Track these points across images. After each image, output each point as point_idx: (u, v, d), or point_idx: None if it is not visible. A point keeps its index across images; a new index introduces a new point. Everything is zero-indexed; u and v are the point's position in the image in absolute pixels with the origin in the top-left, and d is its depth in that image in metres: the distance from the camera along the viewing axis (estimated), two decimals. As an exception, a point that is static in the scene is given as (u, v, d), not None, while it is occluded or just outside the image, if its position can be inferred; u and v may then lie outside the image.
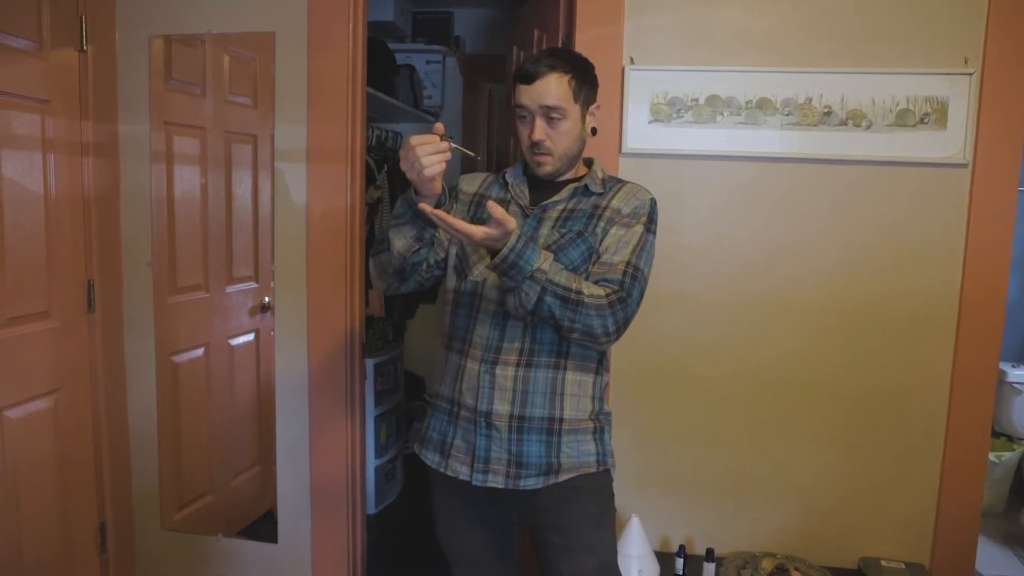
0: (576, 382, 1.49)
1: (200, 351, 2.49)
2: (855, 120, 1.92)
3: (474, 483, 1.48)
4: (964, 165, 1.91)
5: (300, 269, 2.20)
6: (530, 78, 1.42)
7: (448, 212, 1.35)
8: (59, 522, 2.13)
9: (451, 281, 1.56)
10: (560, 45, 2.13)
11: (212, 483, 2.55)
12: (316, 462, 2.25)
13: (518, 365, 1.46)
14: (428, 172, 1.28)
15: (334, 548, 2.27)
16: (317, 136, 2.15)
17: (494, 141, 4.02)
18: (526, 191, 1.54)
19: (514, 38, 2.77)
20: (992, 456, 3.19)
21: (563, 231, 1.46)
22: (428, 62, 3.81)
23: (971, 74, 1.88)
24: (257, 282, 2.60)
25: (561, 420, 1.47)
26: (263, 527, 2.42)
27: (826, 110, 1.93)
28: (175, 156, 2.34)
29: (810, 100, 1.93)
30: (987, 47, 1.88)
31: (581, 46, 1.99)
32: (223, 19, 2.18)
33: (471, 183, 1.60)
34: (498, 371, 1.46)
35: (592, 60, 1.78)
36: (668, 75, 1.97)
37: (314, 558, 2.28)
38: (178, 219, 2.36)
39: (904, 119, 1.91)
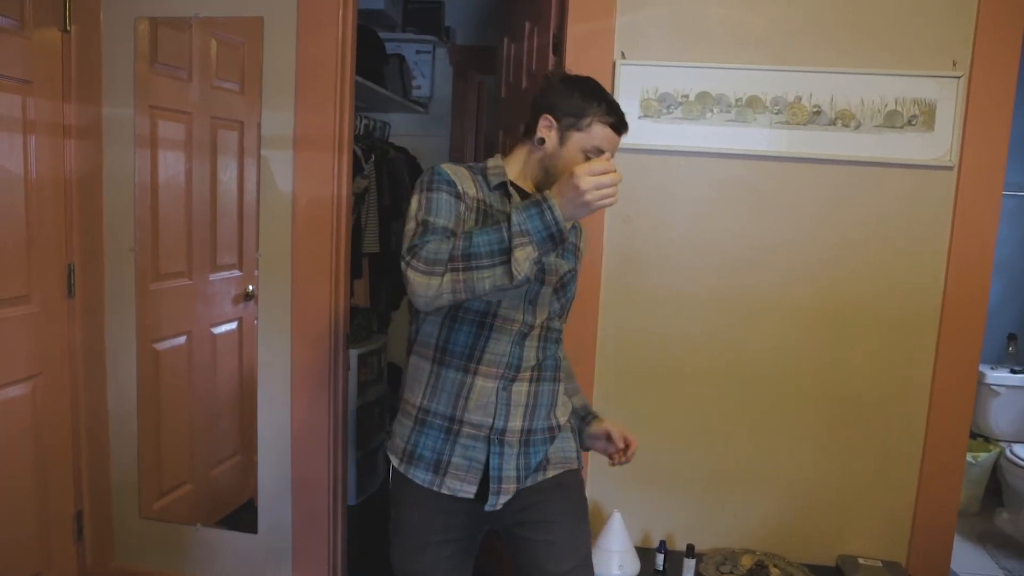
0: (562, 391, 1.60)
1: (182, 339, 2.47)
2: (844, 120, 1.93)
3: (488, 508, 1.46)
4: (950, 167, 1.93)
5: (285, 258, 2.18)
6: (622, 130, 1.46)
7: (461, 213, 1.39)
8: (35, 509, 2.10)
9: None
10: (551, 38, 2.12)
11: (192, 472, 2.53)
12: (297, 452, 2.24)
13: (531, 380, 1.50)
14: (614, 201, 1.24)
15: (314, 539, 2.26)
16: (305, 124, 2.13)
17: (483, 132, 4.00)
18: None
19: (505, 30, 2.76)
20: (969, 457, 3.23)
21: (568, 265, 1.52)
22: (418, 52, 3.79)
23: (959, 77, 1.89)
24: (241, 270, 2.58)
25: (559, 427, 1.56)
26: (243, 517, 2.40)
27: (815, 109, 1.93)
28: (160, 141, 2.31)
29: (800, 99, 1.93)
30: (975, 51, 1.89)
31: (572, 40, 1.99)
32: (211, 2, 2.15)
33: (466, 183, 1.48)
34: (515, 388, 1.47)
35: (583, 54, 1.79)
36: (659, 71, 1.97)
37: (294, 548, 2.27)
38: (162, 205, 2.33)
39: (892, 120, 1.92)
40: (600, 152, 1.43)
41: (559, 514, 1.49)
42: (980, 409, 3.41)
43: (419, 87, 3.79)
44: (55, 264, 2.13)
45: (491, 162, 1.54)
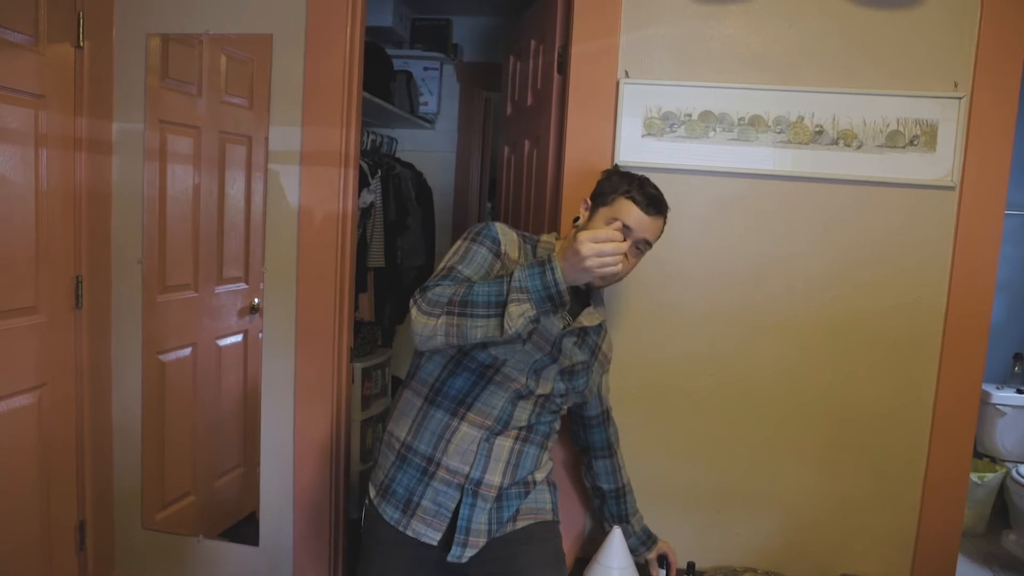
0: (547, 456, 1.62)
1: (187, 351, 2.49)
2: (846, 140, 1.94)
3: (450, 559, 1.45)
4: (952, 187, 1.93)
5: (290, 271, 2.20)
6: (649, 211, 1.47)
7: (494, 272, 1.42)
8: (38, 518, 2.11)
9: None
10: (556, 56, 2.15)
11: (195, 483, 2.54)
12: (300, 465, 2.25)
13: (516, 439, 1.51)
14: (618, 270, 1.26)
15: (316, 552, 2.26)
16: (312, 139, 2.16)
17: (488, 150, 4.03)
18: None
19: (511, 48, 2.79)
20: (974, 477, 3.22)
21: (583, 356, 1.56)
22: (425, 68, 3.82)
23: (960, 98, 1.90)
24: (247, 283, 2.60)
25: (535, 483, 1.57)
26: (245, 529, 2.41)
27: (818, 129, 1.95)
28: (169, 155, 2.34)
29: (802, 119, 1.95)
30: (976, 72, 1.91)
31: (577, 58, 2.01)
32: (221, 20, 2.19)
33: (512, 247, 1.51)
34: (497, 441, 1.48)
35: (587, 73, 1.80)
36: (662, 90, 1.98)
37: (295, 562, 2.27)
38: (169, 218, 2.36)
39: (894, 140, 1.93)
40: (625, 227, 1.44)
41: (529, 567, 1.48)
42: (986, 429, 3.39)
43: (426, 103, 3.83)
44: (63, 275, 2.16)
45: (544, 237, 1.60)
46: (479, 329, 1.28)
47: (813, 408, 2.05)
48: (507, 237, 1.50)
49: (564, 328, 1.52)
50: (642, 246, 1.49)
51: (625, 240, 1.36)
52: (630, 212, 1.46)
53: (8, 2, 1.90)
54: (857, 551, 2.07)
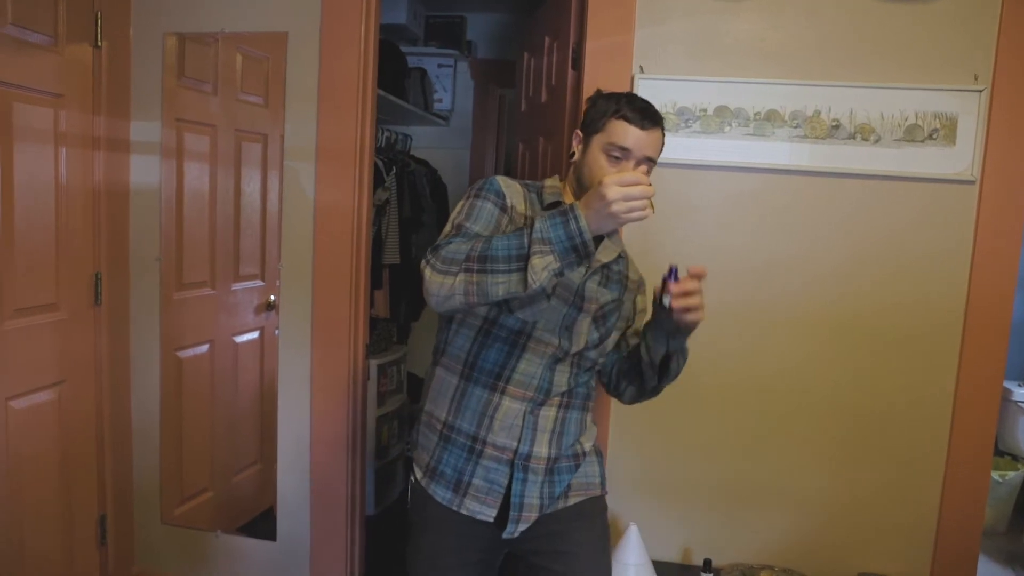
0: (590, 420, 1.58)
1: (205, 347, 2.51)
2: (863, 134, 1.92)
3: (505, 536, 1.43)
4: (972, 182, 1.91)
5: (306, 268, 2.21)
6: (643, 125, 1.36)
7: (502, 226, 1.36)
8: (60, 513, 2.14)
9: (482, 308, 1.42)
10: (570, 52, 2.14)
11: (213, 479, 2.56)
12: (317, 461, 2.26)
13: (560, 407, 1.47)
14: (645, 214, 1.16)
15: (332, 548, 2.28)
16: (327, 136, 2.16)
17: (502, 146, 4.03)
18: None
19: (525, 44, 2.78)
20: (996, 475, 3.17)
21: (612, 295, 1.49)
22: (440, 65, 3.83)
23: (981, 91, 1.88)
24: (263, 280, 2.62)
25: (584, 454, 1.53)
26: (263, 525, 2.42)
27: (834, 123, 1.93)
28: (185, 153, 2.36)
29: (819, 113, 1.93)
30: (997, 64, 1.88)
31: (591, 54, 2.00)
32: (237, 18, 2.20)
33: (517, 198, 1.44)
34: (542, 412, 1.44)
35: (602, 68, 1.78)
36: (677, 85, 1.97)
37: (312, 557, 2.29)
38: (186, 215, 2.38)
39: (913, 134, 1.91)
40: (622, 150, 1.35)
41: (578, 545, 1.46)
42: (1008, 427, 3.34)
43: (440, 100, 3.83)
44: (83, 272, 2.18)
45: (548, 182, 1.51)
46: (500, 286, 1.20)
47: (830, 404, 2.04)
48: (511, 189, 1.43)
49: (587, 272, 1.44)
50: (646, 165, 1.38)
51: (628, 164, 1.34)
52: (625, 132, 1.35)
53: (28, 4, 1.92)
54: (875, 549, 2.06)
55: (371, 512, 3.12)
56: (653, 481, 2.03)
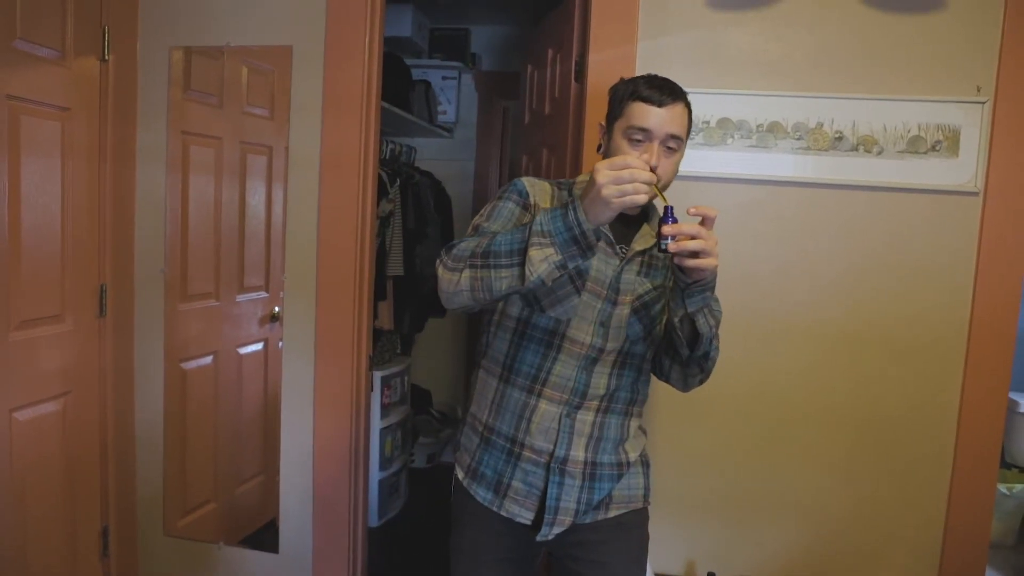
0: (637, 426, 1.54)
1: (209, 359, 2.51)
2: (866, 146, 1.92)
3: (539, 538, 1.43)
4: (975, 193, 1.91)
5: (310, 280, 2.22)
6: (661, 102, 1.30)
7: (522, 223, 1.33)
8: (63, 525, 2.14)
9: (514, 308, 1.43)
10: (574, 64, 2.15)
11: (216, 491, 2.56)
12: (320, 473, 2.26)
13: (598, 411, 1.44)
14: (639, 199, 1.12)
15: (335, 560, 2.27)
16: (331, 148, 2.18)
17: (507, 158, 4.04)
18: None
19: (528, 57, 2.80)
20: (1003, 488, 3.15)
21: (654, 283, 1.42)
22: (444, 78, 3.85)
23: (983, 102, 1.88)
24: (267, 292, 2.63)
25: (628, 464, 1.49)
26: (265, 537, 2.42)
27: (837, 135, 1.93)
28: (191, 165, 2.37)
29: (821, 125, 1.93)
30: (1000, 75, 1.88)
31: (594, 66, 2.01)
32: (242, 32, 2.22)
33: (542, 196, 1.43)
34: (579, 416, 1.43)
35: (605, 80, 1.78)
36: (680, 97, 1.98)
37: (315, 569, 2.28)
38: (191, 227, 2.39)
39: (915, 146, 1.91)
40: (642, 131, 1.31)
41: (615, 554, 1.45)
42: (1014, 439, 3.32)
43: (444, 112, 3.85)
44: (88, 284, 2.19)
45: (580, 178, 1.50)
46: (503, 280, 1.20)
47: (834, 416, 2.03)
48: (536, 188, 1.42)
49: (621, 261, 1.40)
50: (672, 143, 1.32)
51: (651, 145, 1.29)
52: (643, 113, 1.30)
53: (36, 18, 1.94)
54: (881, 562, 2.04)
55: (374, 524, 3.11)
56: (658, 493, 2.02)
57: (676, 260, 1.19)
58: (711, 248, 1.17)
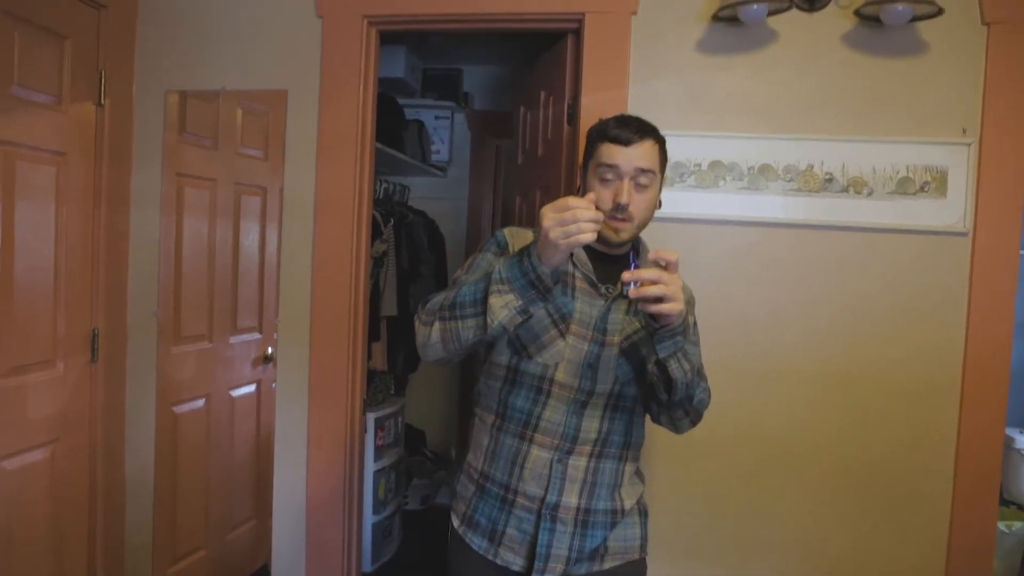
0: (633, 471, 1.52)
1: (201, 402, 2.49)
2: (856, 187, 1.95)
3: None
4: (964, 233, 1.93)
5: (304, 321, 2.21)
6: (628, 140, 1.34)
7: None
8: (50, 573, 2.09)
9: (503, 356, 1.44)
10: (566, 107, 2.18)
11: (207, 537, 2.51)
12: (313, 517, 2.22)
13: (591, 456, 1.43)
14: (584, 238, 1.14)
15: (328, 608, 2.22)
16: (325, 189, 2.19)
17: (499, 196, 4.07)
18: (589, 264, 1.42)
19: (521, 97, 2.83)
20: (1002, 526, 3.13)
21: (643, 323, 1.40)
22: (437, 117, 3.89)
23: (969, 144, 1.91)
24: (261, 333, 2.61)
25: (623, 511, 1.47)
26: (257, 583, 2.38)
27: (827, 177, 1.96)
28: (185, 207, 2.38)
29: (811, 167, 1.96)
30: (984, 117, 1.92)
31: (586, 108, 2.04)
32: (238, 77, 2.24)
33: (522, 241, 1.45)
34: (571, 461, 1.41)
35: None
36: (671, 140, 1.95)
37: (307, 617, 2.23)
38: (185, 269, 2.38)
39: (904, 187, 1.93)
40: (610, 168, 1.34)
41: None
42: (1011, 476, 3.31)
43: (438, 151, 3.88)
44: (80, 329, 2.17)
45: None
46: (470, 330, 1.25)
47: (831, 457, 2.02)
48: (517, 237, 1.45)
49: (607, 302, 1.41)
50: (643, 179, 1.34)
51: (620, 183, 1.32)
52: (611, 152, 1.34)
53: (33, 64, 1.96)
54: (882, 605, 2.02)
55: (368, 570, 3.05)
56: (652, 537, 1.99)
57: (640, 306, 1.20)
58: (672, 293, 1.17)
